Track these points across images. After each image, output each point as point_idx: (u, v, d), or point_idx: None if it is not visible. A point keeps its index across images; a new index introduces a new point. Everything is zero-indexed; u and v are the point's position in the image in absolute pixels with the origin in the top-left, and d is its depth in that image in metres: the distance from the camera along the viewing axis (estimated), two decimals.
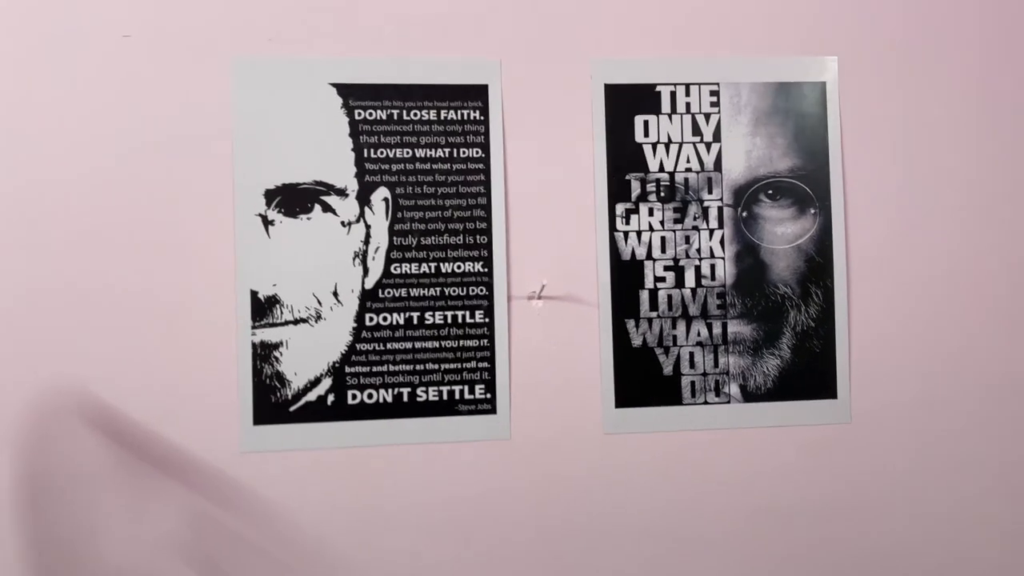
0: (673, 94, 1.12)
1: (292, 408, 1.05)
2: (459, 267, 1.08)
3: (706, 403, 1.12)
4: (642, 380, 1.11)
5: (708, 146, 1.13)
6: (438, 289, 1.08)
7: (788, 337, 1.13)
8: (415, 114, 1.08)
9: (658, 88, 1.12)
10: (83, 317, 1.02)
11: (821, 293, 1.13)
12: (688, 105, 1.12)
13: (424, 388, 1.08)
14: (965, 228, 1.15)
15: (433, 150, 1.08)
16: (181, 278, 1.04)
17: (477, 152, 1.09)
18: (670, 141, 1.12)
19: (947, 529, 1.14)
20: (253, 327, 1.04)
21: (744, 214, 1.13)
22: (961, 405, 1.14)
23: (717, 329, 1.12)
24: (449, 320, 1.08)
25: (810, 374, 1.13)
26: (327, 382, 1.06)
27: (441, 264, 1.08)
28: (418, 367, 1.08)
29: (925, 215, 1.14)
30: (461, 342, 1.08)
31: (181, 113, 1.04)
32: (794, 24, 1.14)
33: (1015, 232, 1.15)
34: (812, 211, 1.13)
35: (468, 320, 1.08)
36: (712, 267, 1.12)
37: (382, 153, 1.07)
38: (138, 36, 1.04)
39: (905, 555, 1.14)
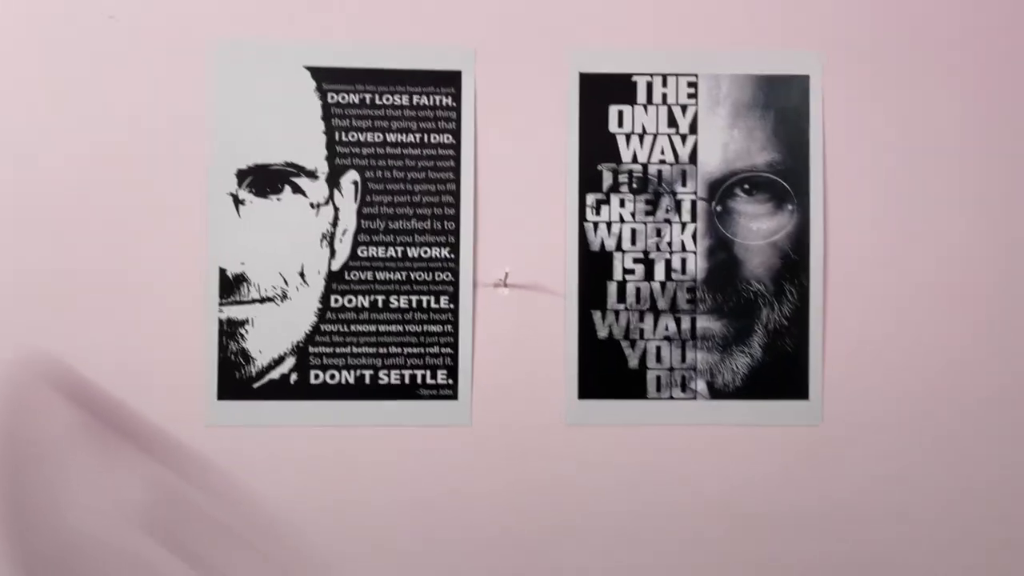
0: (649, 85, 1.11)
1: (255, 385, 1.07)
2: (426, 252, 1.09)
3: (672, 398, 1.10)
4: (607, 372, 1.10)
5: (684, 138, 1.11)
6: (404, 273, 1.09)
7: (760, 335, 1.11)
8: (387, 99, 1.09)
9: (634, 78, 1.11)
10: (58, 290, 1.05)
11: (796, 292, 1.11)
12: (665, 96, 1.11)
13: (386, 371, 1.08)
14: (948, 228, 1.11)
15: (404, 135, 1.09)
16: (153, 254, 1.06)
17: (448, 138, 1.09)
18: (644, 132, 1.11)
19: (919, 536, 1.11)
20: (220, 304, 1.07)
21: (718, 208, 1.11)
22: (937, 410, 1.11)
23: (686, 324, 1.10)
24: (414, 305, 1.09)
25: (781, 374, 1.11)
26: (291, 361, 1.07)
27: (408, 248, 1.09)
28: (381, 350, 1.08)
29: (907, 215, 1.11)
30: (425, 327, 1.09)
31: (158, 93, 1.07)
32: (779, 16, 1.11)
33: (1001, 234, 1.11)
34: (790, 207, 1.11)
35: (433, 305, 1.09)
36: (683, 261, 1.11)
37: (353, 136, 1.08)
38: (121, 18, 1.07)
39: (872, 562, 1.11)
